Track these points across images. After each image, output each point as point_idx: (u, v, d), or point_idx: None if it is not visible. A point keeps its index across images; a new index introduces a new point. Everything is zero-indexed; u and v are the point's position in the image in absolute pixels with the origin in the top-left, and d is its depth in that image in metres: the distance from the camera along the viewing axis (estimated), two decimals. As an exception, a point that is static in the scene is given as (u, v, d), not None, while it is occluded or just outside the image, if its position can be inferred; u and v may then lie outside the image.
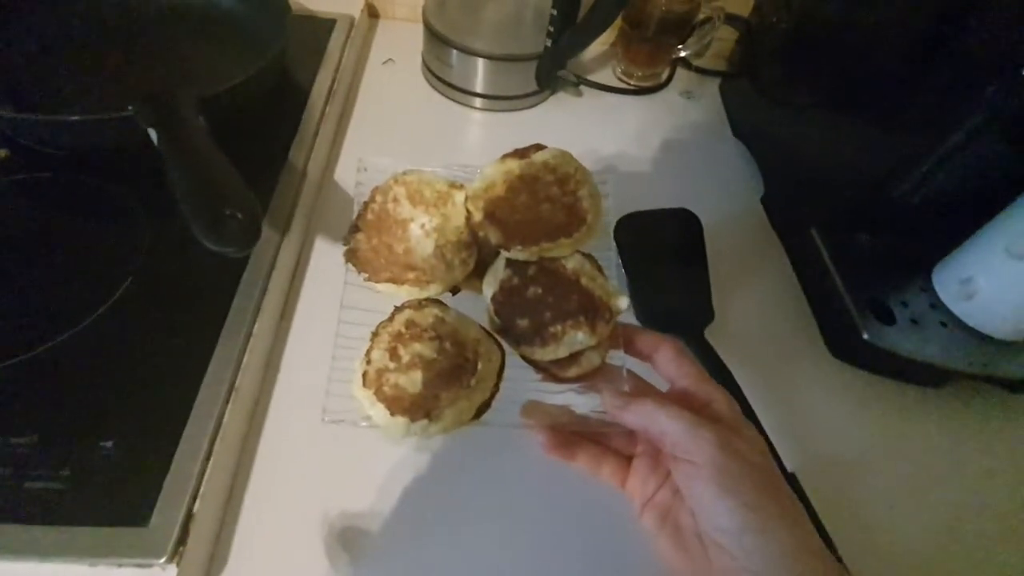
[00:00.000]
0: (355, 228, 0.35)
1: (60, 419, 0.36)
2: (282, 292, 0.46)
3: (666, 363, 0.33)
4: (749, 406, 0.40)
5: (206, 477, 0.34)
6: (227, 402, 0.37)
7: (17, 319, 0.40)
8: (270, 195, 0.49)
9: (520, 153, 0.36)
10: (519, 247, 0.33)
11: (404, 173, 0.37)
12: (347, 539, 0.36)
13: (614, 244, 0.37)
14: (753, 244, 0.57)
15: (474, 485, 0.40)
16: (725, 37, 0.74)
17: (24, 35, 0.56)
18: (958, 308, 0.46)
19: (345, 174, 0.58)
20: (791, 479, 0.37)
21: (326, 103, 0.60)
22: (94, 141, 0.49)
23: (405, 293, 0.34)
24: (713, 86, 0.74)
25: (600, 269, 0.35)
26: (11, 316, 0.41)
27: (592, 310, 0.32)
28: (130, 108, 0.43)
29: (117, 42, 0.60)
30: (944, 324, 0.46)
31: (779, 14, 0.63)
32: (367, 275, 0.33)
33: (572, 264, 0.34)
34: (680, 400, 0.31)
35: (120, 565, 0.31)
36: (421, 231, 0.35)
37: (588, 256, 0.35)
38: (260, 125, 0.55)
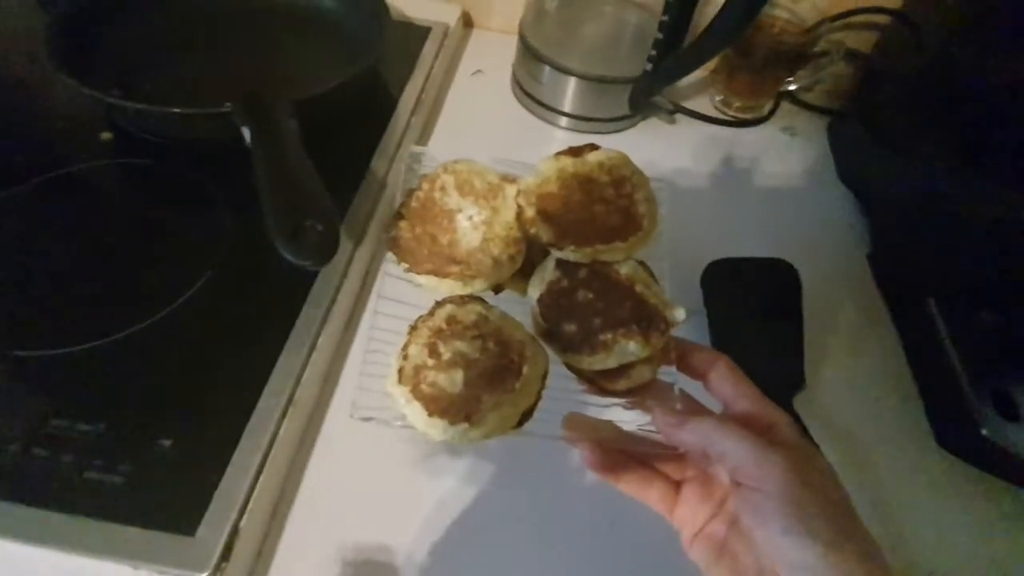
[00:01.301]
0: (398, 215, 0.34)
1: (126, 410, 0.36)
2: (349, 304, 0.45)
3: (721, 382, 0.30)
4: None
5: (255, 492, 0.34)
6: (284, 416, 0.37)
7: (100, 303, 0.41)
8: (348, 204, 0.48)
9: (574, 151, 0.35)
10: (572, 247, 0.31)
11: (454, 162, 0.35)
12: (390, 568, 0.35)
13: (663, 246, 0.35)
14: (855, 306, 0.52)
15: (520, 502, 0.38)
16: (839, 73, 0.68)
17: (139, 24, 0.58)
18: (1098, 412, 0.40)
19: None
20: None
21: (412, 112, 0.59)
22: (191, 133, 0.50)
23: (447, 287, 0.32)
24: (820, 124, 0.69)
25: (655, 278, 0.33)
26: (95, 299, 0.42)
27: (646, 319, 0.30)
28: (227, 105, 0.44)
29: (223, 37, 0.62)
30: (1076, 428, 0.40)
31: (908, 54, 0.57)
32: (407, 265, 0.32)
33: (626, 270, 0.32)
34: (739, 423, 0.28)
35: (161, 572, 0.31)
36: (468, 223, 0.34)
37: (642, 263, 0.33)
38: (347, 130, 0.55)
